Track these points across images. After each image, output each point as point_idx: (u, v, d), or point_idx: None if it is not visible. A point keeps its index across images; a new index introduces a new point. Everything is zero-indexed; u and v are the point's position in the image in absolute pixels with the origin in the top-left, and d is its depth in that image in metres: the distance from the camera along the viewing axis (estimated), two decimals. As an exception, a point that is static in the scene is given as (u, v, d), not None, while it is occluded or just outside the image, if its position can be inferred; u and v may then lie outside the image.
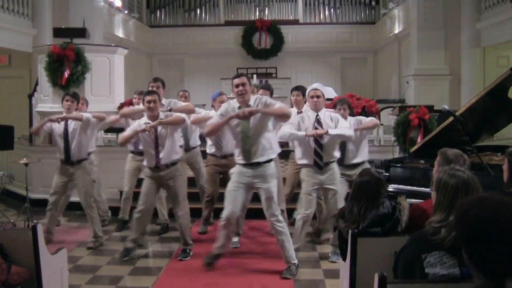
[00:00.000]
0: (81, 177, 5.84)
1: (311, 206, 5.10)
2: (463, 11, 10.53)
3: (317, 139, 5.00)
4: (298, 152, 5.19)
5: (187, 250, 5.43)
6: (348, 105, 5.74)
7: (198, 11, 15.82)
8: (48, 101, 7.89)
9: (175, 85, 15.52)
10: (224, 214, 4.81)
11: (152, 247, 5.89)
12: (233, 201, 4.77)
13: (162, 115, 5.26)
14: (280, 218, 4.80)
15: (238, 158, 4.81)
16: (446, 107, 5.06)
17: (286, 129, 5.01)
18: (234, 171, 4.92)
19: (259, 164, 4.72)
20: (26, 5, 9.86)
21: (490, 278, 1.54)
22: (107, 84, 7.93)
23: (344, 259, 3.37)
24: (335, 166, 5.16)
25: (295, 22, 15.68)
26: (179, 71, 15.91)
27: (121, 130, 6.69)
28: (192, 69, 15.74)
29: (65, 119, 5.74)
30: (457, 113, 4.91)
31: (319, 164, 5.04)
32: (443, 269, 2.24)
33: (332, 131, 4.94)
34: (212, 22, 15.86)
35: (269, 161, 4.78)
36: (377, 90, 14.99)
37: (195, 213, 6.79)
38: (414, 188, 5.04)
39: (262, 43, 15.20)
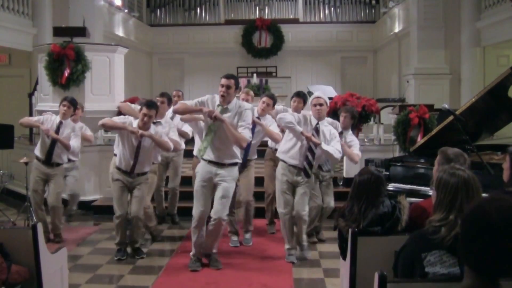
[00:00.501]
0: (57, 179, 5.98)
1: (288, 204, 5.12)
2: (463, 10, 10.52)
3: (311, 146, 5.00)
4: (286, 149, 5.15)
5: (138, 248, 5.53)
6: (352, 115, 5.74)
7: (198, 10, 15.82)
8: (48, 100, 7.88)
9: (175, 85, 15.52)
10: (196, 214, 4.88)
11: (152, 246, 5.90)
12: (202, 200, 4.86)
13: (153, 129, 5.28)
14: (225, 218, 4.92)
15: (203, 153, 4.87)
16: (446, 106, 5.06)
17: (288, 116, 5.06)
18: (198, 169, 4.96)
19: (223, 164, 4.85)
20: (26, 4, 9.85)
21: (484, 277, 1.54)
22: (107, 83, 7.91)
23: (344, 258, 3.37)
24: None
25: (295, 21, 15.68)
26: (179, 70, 15.91)
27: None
28: (192, 68, 15.74)
29: (54, 138, 5.79)
30: (457, 112, 4.91)
31: (308, 173, 5.07)
32: (443, 268, 2.24)
33: (324, 146, 4.95)
34: (212, 21, 15.85)
35: (234, 164, 4.92)
36: (377, 89, 14.99)
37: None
38: (414, 187, 5.04)
39: (262, 42, 15.19)
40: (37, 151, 6.00)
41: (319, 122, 5.08)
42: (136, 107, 6.06)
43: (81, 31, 8.17)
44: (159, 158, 5.99)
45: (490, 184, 4.07)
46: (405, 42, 12.22)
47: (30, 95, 9.00)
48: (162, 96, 6.09)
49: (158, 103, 5.67)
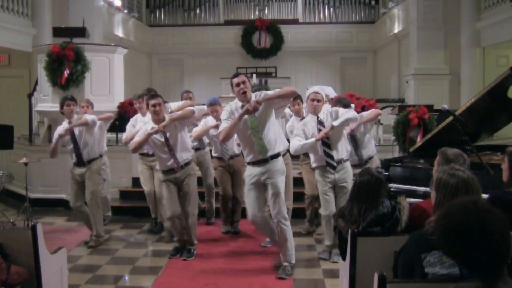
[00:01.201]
0: (91, 176, 5.86)
1: (329, 205, 5.12)
2: (462, 10, 10.53)
3: (324, 140, 5.01)
4: (311, 157, 5.25)
5: (192, 250, 5.44)
6: (345, 104, 5.70)
7: (198, 10, 15.81)
8: (47, 100, 7.89)
9: (174, 85, 15.54)
10: (249, 217, 4.85)
11: (152, 246, 5.90)
12: (252, 203, 4.79)
13: (167, 118, 5.19)
14: (286, 216, 4.81)
15: (250, 157, 4.77)
16: (446, 106, 5.06)
17: (296, 142, 5.00)
18: (246, 174, 4.91)
19: (266, 160, 4.70)
20: (26, 4, 9.85)
21: (483, 279, 1.55)
22: (107, 83, 7.92)
23: (343, 258, 3.37)
24: (348, 165, 5.19)
25: (294, 21, 15.67)
26: (179, 71, 15.90)
27: (121, 128, 6.74)
28: (191, 69, 15.74)
29: (72, 128, 5.73)
30: (457, 113, 4.90)
31: (332, 165, 5.08)
32: (443, 268, 2.24)
33: (336, 122, 4.94)
34: (212, 21, 15.85)
35: (277, 155, 4.76)
36: (376, 89, 14.99)
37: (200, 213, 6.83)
38: (414, 187, 5.04)
39: (261, 43, 15.19)
40: (70, 158, 5.96)
41: (318, 115, 5.11)
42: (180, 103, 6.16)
43: (81, 32, 8.18)
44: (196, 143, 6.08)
45: (490, 184, 4.07)
46: (404, 42, 12.23)
47: (30, 95, 9.00)
48: (149, 91, 6.02)
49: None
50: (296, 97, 5.95)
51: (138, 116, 6.34)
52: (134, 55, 13.05)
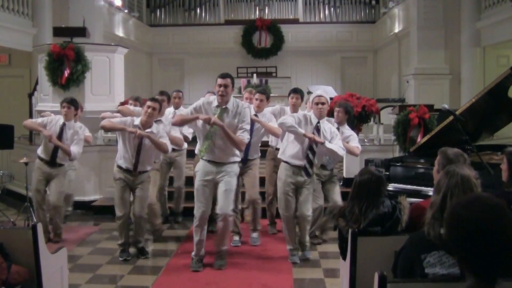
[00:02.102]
0: (59, 178, 6.02)
1: (291, 206, 5.11)
2: (463, 10, 10.52)
3: (312, 145, 5.00)
4: (288, 150, 5.14)
5: (143, 249, 5.51)
6: (346, 110, 5.70)
7: (198, 10, 15.81)
8: (48, 100, 7.89)
9: (175, 85, 15.50)
10: (197, 214, 4.90)
11: (152, 246, 5.90)
12: (204, 200, 4.89)
13: (155, 127, 5.28)
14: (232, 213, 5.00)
15: (203, 154, 4.89)
16: (446, 106, 5.06)
17: (289, 119, 5.01)
18: (198, 169, 4.98)
19: (224, 163, 4.89)
20: (26, 4, 9.85)
21: (481, 278, 1.54)
22: (107, 83, 7.92)
23: (344, 258, 3.37)
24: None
25: (295, 21, 15.67)
26: (179, 71, 15.90)
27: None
28: (192, 69, 15.73)
29: (56, 145, 5.84)
30: (457, 112, 4.90)
31: (308, 172, 5.07)
32: (443, 269, 2.24)
33: (328, 145, 4.96)
34: (212, 21, 15.84)
35: (233, 162, 4.95)
36: (377, 89, 14.98)
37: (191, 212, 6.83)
38: (414, 187, 5.04)
39: (262, 42, 15.19)
40: (40, 151, 6.02)
41: (320, 121, 5.07)
42: (135, 109, 6.07)
43: (81, 31, 8.18)
44: (161, 157, 5.99)
45: (490, 184, 4.07)
46: (405, 42, 12.22)
47: (30, 95, 9.00)
48: (161, 94, 6.13)
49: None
50: (296, 92, 5.97)
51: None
52: (134, 55, 13.05)
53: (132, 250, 5.50)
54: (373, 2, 15.41)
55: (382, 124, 8.77)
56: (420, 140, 6.10)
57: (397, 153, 7.29)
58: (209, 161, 4.89)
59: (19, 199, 7.76)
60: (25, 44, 9.84)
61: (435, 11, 10.85)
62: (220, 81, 4.82)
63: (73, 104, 5.95)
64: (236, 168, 5.01)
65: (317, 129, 5.04)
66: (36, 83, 8.66)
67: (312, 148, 5.01)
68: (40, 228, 3.25)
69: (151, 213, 5.81)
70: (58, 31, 8.41)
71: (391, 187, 5.07)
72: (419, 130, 6.82)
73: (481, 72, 10.42)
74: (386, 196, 3.34)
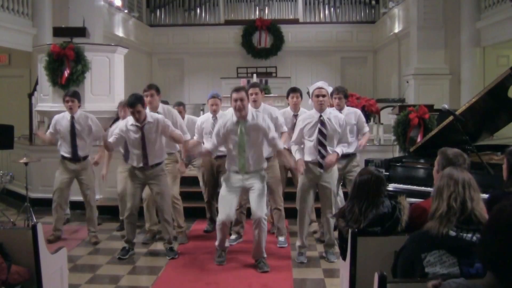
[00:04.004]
0: (88, 173, 6.01)
1: (306, 199, 5.11)
2: (463, 10, 10.52)
3: (321, 140, 4.99)
4: (305, 148, 5.15)
5: (173, 248, 5.48)
6: (344, 94, 5.75)
7: (198, 10, 15.81)
8: (48, 100, 7.88)
9: (175, 85, 15.56)
10: (220, 219, 4.89)
11: (152, 246, 5.89)
12: (228, 206, 4.87)
13: (149, 117, 5.21)
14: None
15: (232, 167, 4.94)
16: (446, 106, 5.06)
17: (294, 149, 5.12)
18: (225, 179, 5.00)
19: (252, 171, 4.93)
20: (26, 4, 9.85)
21: (502, 279, 1.54)
22: (107, 83, 7.92)
23: (344, 258, 3.37)
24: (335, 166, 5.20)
25: (295, 21, 15.67)
26: (179, 71, 15.90)
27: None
28: (192, 69, 15.73)
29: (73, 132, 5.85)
30: (457, 113, 4.90)
31: (322, 165, 5.06)
32: (443, 268, 2.24)
33: (339, 151, 5.05)
34: (212, 21, 15.84)
35: (262, 168, 5.00)
36: (377, 89, 14.99)
37: (194, 213, 6.83)
38: (414, 187, 5.03)
39: (262, 43, 15.19)
40: (62, 151, 6.01)
41: (322, 114, 5.03)
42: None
43: (81, 32, 8.17)
44: (178, 147, 5.89)
45: (490, 184, 4.07)
46: (405, 42, 12.23)
47: (30, 95, 9.00)
48: (150, 88, 5.70)
49: (148, 98, 5.55)
50: (295, 91, 5.96)
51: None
52: (134, 55, 13.04)
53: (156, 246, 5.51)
54: (373, 2, 15.42)
55: (382, 124, 8.78)
56: (420, 140, 6.10)
57: (397, 153, 7.29)
58: (236, 172, 4.94)
59: (19, 199, 7.75)
60: (25, 44, 9.84)
61: (435, 11, 10.86)
62: (234, 95, 4.81)
63: (76, 97, 5.96)
64: (264, 173, 5.03)
65: (322, 122, 5.00)
66: (36, 83, 8.66)
67: (321, 143, 5.00)
68: (40, 228, 3.25)
69: (174, 211, 5.75)
70: (58, 31, 8.41)
71: (391, 187, 5.06)
72: (419, 130, 6.82)
73: (481, 72, 10.43)
74: (386, 196, 3.34)
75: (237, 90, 4.86)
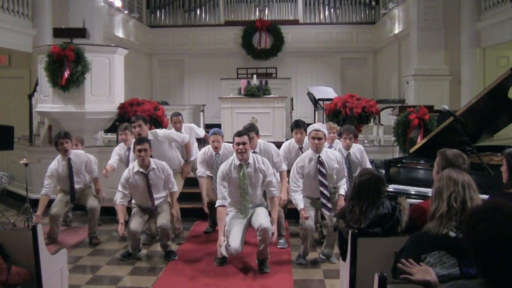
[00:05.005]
0: (89, 196, 6.20)
1: (311, 219, 5.10)
2: (463, 11, 10.52)
3: (321, 180, 5.10)
4: (304, 188, 5.23)
5: (172, 250, 5.52)
6: (354, 134, 5.88)
7: (198, 11, 15.81)
8: (48, 101, 7.88)
9: (175, 86, 15.56)
10: (233, 246, 4.87)
11: (152, 247, 5.89)
12: (235, 237, 4.89)
13: (153, 163, 5.37)
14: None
15: (235, 206, 5.04)
16: (446, 107, 5.05)
17: (293, 192, 5.15)
18: (229, 218, 5.03)
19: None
20: (26, 5, 9.85)
21: (494, 285, 1.54)
22: (107, 84, 7.92)
23: (344, 259, 3.37)
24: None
25: (295, 22, 15.66)
26: (179, 71, 15.89)
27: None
28: (192, 69, 15.73)
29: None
30: (457, 113, 4.90)
31: (327, 206, 5.14)
32: (443, 269, 2.24)
33: (342, 192, 5.16)
34: (212, 22, 15.84)
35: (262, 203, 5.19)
36: (377, 90, 14.98)
37: (195, 213, 6.82)
38: (414, 188, 5.04)
39: (262, 43, 15.17)
40: (59, 187, 6.17)
41: (320, 155, 5.14)
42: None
43: (81, 32, 8.17)
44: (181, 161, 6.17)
45: (490, 185, 4.07)
46: (405, 43, 12.23)
47: (30, 96, 9.00)
48: (137, 120, 5.75)
49: (136, 129, 5.65)
50: (299, 126, 5.93)
51: (122, 144, 6.34)
52: (134, 56, 13.05)
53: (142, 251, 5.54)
54: (373, 3, 15.41)
55: (382, 125, 8.78)
56: (420, 141, 6.10)
57: (397, 154, 7.29)
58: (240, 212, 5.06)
59: (19, 200, 7.76)
60: (25, 45, 9.84)
61: (435, 12, 10.86)
62: (237, 139, 4.90)
63: (67, 137, 6.03)
64: (265, 204, 5.19)
65: (320, 163, 5.12)
66: (36, 84, 8.66)
67: (323, 183, 5.11)
68: (40, 229, 3.25)
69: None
70: (58, 32, 8.41)
71: (391, 188, 5.07)
72: (419, 131, 6.83)
73: (481, 73, 10.43)
74: (386, 197, 3.34)
75: (240, 134, 4.97)
